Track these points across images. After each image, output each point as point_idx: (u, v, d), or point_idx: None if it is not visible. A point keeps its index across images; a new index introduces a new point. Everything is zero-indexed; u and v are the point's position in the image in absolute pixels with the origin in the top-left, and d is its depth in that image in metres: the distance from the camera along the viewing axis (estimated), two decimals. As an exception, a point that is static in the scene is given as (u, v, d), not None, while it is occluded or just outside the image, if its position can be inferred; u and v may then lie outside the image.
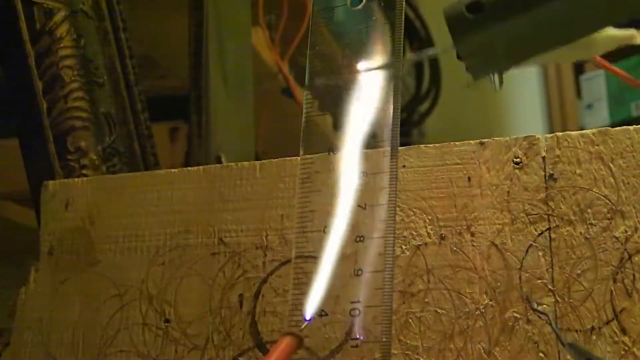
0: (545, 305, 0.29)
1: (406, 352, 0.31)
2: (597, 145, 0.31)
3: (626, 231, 0.29)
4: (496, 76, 0.22)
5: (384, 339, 0.27)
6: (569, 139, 0.31)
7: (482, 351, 0.30)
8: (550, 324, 0.29)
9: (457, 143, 0.33)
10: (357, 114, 0.30)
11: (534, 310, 0.29)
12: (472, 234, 0.31)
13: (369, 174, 0.29)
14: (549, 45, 0.21)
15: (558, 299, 0.29)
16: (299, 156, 0.30)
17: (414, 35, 1.33)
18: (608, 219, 0.30)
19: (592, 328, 0.29)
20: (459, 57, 0.21)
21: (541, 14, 0.19)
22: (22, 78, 0.47)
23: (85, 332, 0.36)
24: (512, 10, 0.20)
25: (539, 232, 0.30)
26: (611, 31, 0.24)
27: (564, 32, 0.20)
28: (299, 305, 0.28)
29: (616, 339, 0.28)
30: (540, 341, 0.29)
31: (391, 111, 0.29)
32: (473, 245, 0.31)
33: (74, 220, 0.38)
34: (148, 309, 0.35)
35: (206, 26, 0.69)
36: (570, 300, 0.29)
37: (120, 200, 0.37)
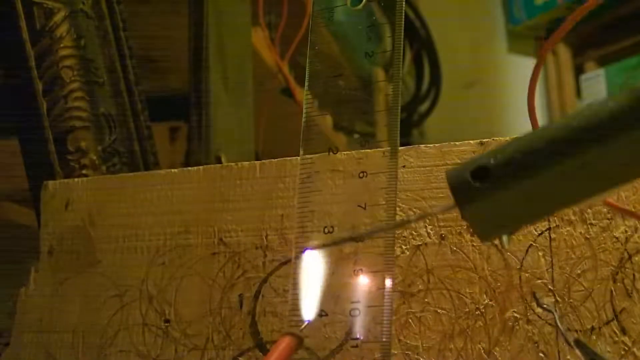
0: (545, 305, 0.29)
1: (406, 352, 0.31)
2: (597, 145, 0.31)
3: (626, 231, 0.29)
4: (505, 237, 0.21)
5: (384, 339, 0.27)
6: (569, 139, 0.31)
7: (482, 351, 0.30)
8: (555, 322, 0.29)
9: (457, 143, 0.33)
10: (357, 114, 0.30)
11: (540, 306, 0.29)
12: (472, 234, 0.31)
13: (369, 174, 0.29)
14: (562, 205, 0.20)
15: (558, 299, 0.29)
16: (299, 156, 0.30)
17: (414, 35, 1.34)
18: (608, 219, 0.30)
19: (592, 328, 0.29)
20: (463, 217, 0.20)
21: (553, 175, 0.18)
22: (22, 78, 0.47)
23: (85, 332, 0.36)
24: (520, 174, 0.19)
25: (539, 232, 0.30)
26: None
27: (579, 192, 0.19)
28: (299, 305, 0.28)
29: (616, 339, 0.28)
30: (540, 341, 0.29)
31: (391, 111, 0.29)
32: (473, 245, 0.31)
33: (74, 220, 0.38)
34: (148, 309, 0.35)
35: (206, 26, 0.69)
36: (570, 300, 0.29)
37: (120, 200, 0.37)
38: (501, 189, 0.19)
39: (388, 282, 0.27)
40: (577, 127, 0.18)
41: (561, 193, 0.19)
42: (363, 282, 0.28)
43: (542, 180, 0.18)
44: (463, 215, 0.20)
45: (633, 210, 0.29)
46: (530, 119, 0.26)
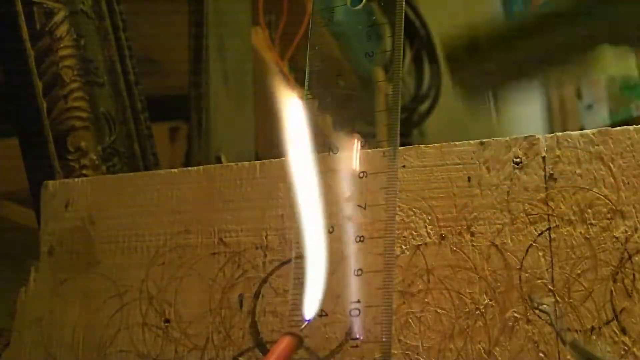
0: (545, 305, 0.29)
1: (406, 352, 0.31)
2: (597, 145, 0.31)
3: (626, 231, 0.29)
4: (492, 103, 0.22)
5: (384, 339, 0.27)
6: (569, 139, 0.31)
7: (482, 351, 0.30)
8: (552, 324, 0.29)
9: (457, 143, 0.33)
10: (357, 114, 0.30)
11: (536, 309, 0.29)
12: (472, 234, 0.31)
13: (369, 174, 0.29)
14: (542, 71, 0.21)
15: (558, 299, 0.29)
16: (298, 156, 0.30)
17: (414, 35, 1.33)
18: (608, 219, 0.30)
19: (592, 328, 0.29)
20: (453, 83, 0.21)
21: (536, 46, 0.20)
22: (22, 78, 0.47)
23: (85, 332, 0.36)
24: (505, 46, 0.20)
25: (539, 232, 0.30)
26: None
27: (557, 58, 0.21)
28: (299, 305, 0.28)
29: (616, 339, 0.28)
30: (540, 341, 0.29)
31: (391, 111, 0.29)
32: (473, 245, 0.31)
33: (74, 220, 0.38)
34: (148, 309, 0.35)
35: (206, 26, 0.69)
36: (570, 300, 0.29)
37: (120, 200, 0.37)
38: (488, 57, 0.21)
39: (388, 282, 0.27)
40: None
41: (540, 62, 0.21)
42: (363, 282, 0.28)
43: (523, 50, 0.20)
44: (455, 82, 0.21)
45: (633, 209, 0.29)
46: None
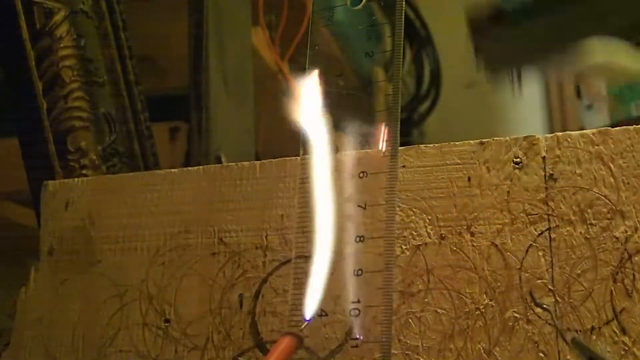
0: (545, 306, 0.29)
1: (406, 352, 0.31)
2: (597, 145, 0.31)
3: (626, 231, 0.29)
4: (516, 79, 0.21)
5: (384, 339, 0.27)
6: (569, 139, 0.31)
7: (482, 351, 0.30)
8: (553, 321, 0.29)
9: (457, 143, 0.33)
10: (357, 114, 0.30)
11: (537, 305, 0.29)
12: (472, 234, 0.31)
13: (369, 174, 0.29)
14: (562, 45, 0.20)
15: (558, 299, 0.29)
16: (299, 156, 0.30)
17: (414, 35, 1.34)
18: (608, 219, 0.30)
19: (592, 328, 0.29)
20: (476, 55, 0.20)
21: (555, 18, 0.19)
22: (22, 78, 0.47)
23: (85, 332, 0.36)
24: (531, 15, 0.19)
25: (539, 232, 0.30)
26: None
27: (577, 32, 0.20)
28: (299, 305, 0.28)
29: (616, 339, 0.28)
30: (540, 341, 0.29)
31: (391, 111, 0.29)
32: (473, 245, 0.31)
33: (74, 220, 0.38)
34: (148, 309, 0.35)
35: (206, 26, 0.69)
36: (570, 300, 0.29)
37: (120, 200, 0.37)
38: (513, 27, 0.20)
39: (388, 282, 0.27)
40: None
41: (564, 33, 0.20)
42: (363, 282, 0.28)
43: (545, 22, 0.19)
44: (477, 52, 0.20)
45: (633, 209, 0.29)
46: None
